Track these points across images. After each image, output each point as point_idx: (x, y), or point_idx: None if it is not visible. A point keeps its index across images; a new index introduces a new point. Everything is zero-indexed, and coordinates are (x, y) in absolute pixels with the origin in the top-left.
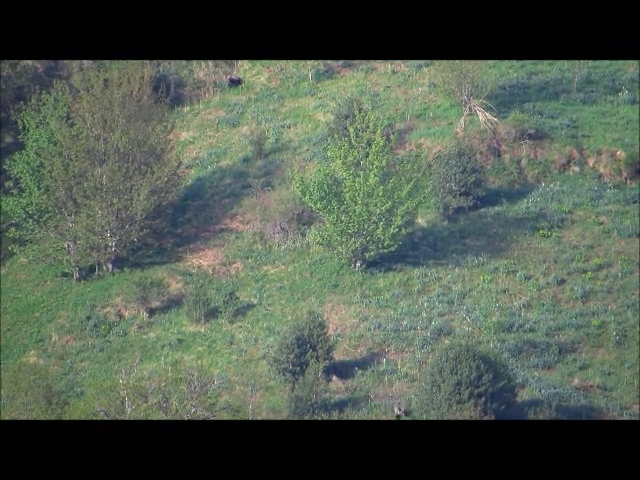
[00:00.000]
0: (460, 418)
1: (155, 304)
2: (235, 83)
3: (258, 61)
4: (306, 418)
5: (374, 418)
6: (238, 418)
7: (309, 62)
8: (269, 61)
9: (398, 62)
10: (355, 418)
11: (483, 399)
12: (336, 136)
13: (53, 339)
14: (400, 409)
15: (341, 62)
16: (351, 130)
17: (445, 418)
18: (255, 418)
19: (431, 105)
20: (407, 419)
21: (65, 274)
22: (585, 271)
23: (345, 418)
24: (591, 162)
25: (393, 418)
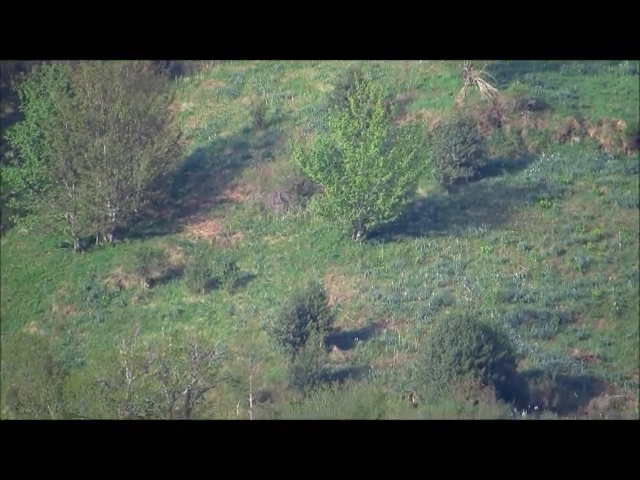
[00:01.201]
0: (460, 388)
1: (155, 275)
2: None
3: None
4: (306, 388)
5: (374, 388)
6: (239, 389)
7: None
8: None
9: None
10: (356, 390)
11: (483, 369)
12: (336, 107)
13: (53, 309)
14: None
15: None
16: (351, 101)
17: (445, 388)
18: (255, 388)
19: (431, 76)
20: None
21: (65, 245)
22: (585, 242)
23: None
24: (592, 132)
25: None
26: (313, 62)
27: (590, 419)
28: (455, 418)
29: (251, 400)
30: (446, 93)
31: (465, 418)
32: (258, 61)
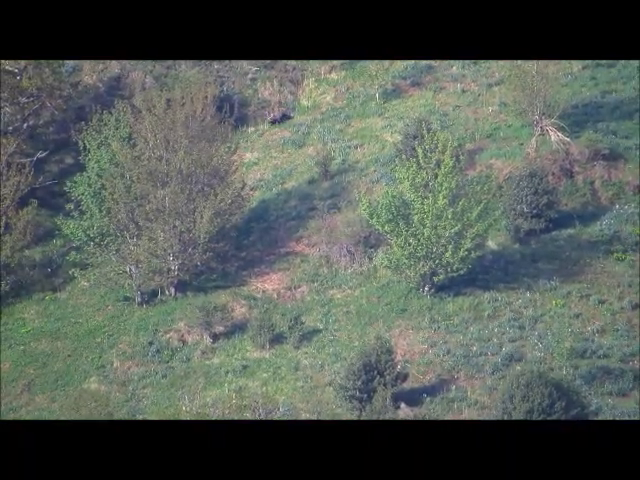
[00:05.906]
0: None
1: (219, 329)
2: (277, 121)
3: (324, 80)
4: None
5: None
6: None
7: (376, 81)
8: (335, 80)
9: (468, 81)
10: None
11: None
12: (404, 157)
13: (115, 365)
14: None
15: (409, 81)
16: (419, 151)
17: None
18: None
19: (502, 125)
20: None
21: (127, 298)
22: None
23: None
24: None
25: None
26: (380, 111)
27: (590, 419)
28: None
29: None
30: (517, 143)
31: None
32: (323, 110)
